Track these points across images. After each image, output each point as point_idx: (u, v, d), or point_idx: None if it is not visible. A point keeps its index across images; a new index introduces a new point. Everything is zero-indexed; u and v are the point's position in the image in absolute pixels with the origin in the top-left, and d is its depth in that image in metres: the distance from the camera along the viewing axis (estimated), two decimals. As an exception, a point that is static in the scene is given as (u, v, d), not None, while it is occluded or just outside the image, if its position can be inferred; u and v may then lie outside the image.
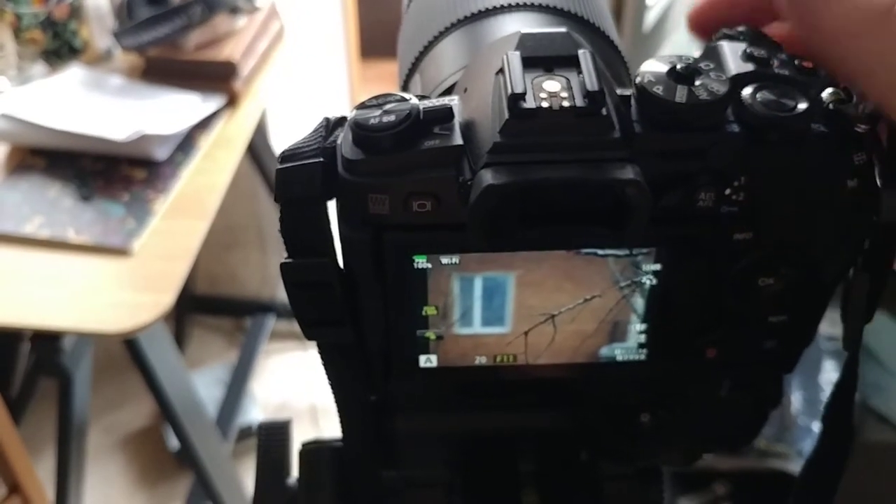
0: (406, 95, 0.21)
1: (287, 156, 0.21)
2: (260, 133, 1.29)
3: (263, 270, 1.68)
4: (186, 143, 1.04)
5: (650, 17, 1.19)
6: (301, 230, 0.21)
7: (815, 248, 0.22)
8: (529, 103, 0.19)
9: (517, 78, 0.19)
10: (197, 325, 1.73)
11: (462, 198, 0.20)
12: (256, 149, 1.29)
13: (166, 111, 1.04)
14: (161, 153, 1.01)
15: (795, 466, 0.93)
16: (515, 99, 0.19)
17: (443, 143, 0.20)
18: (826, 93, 0.21)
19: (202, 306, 1.70)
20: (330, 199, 0.21)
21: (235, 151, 1.05)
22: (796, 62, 0.22)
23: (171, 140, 1.02)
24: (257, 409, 1.54)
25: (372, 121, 0.20)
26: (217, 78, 1.09)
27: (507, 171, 0.19)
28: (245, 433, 1.50)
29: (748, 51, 0.22)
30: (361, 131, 0.20)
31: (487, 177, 0.19)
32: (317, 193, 0.21)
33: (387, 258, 0.21)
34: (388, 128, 0.20)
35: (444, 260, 0.21)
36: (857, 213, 0.21)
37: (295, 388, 1.62)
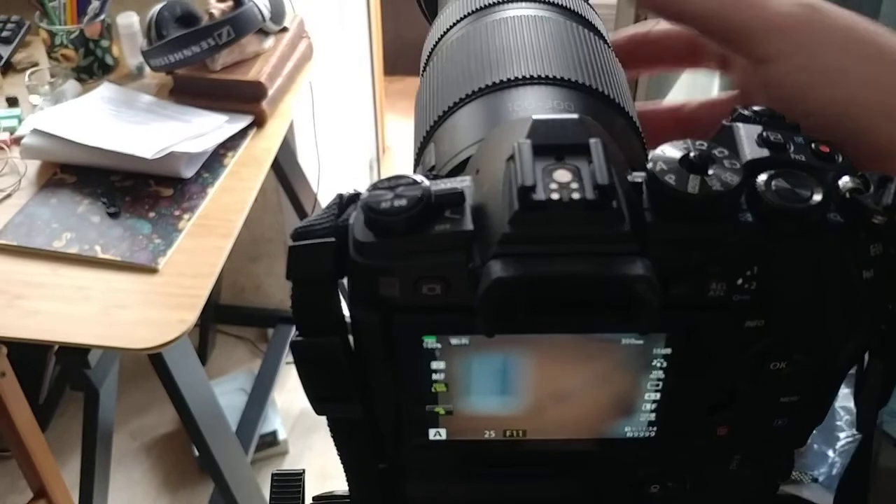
0: (418, 178, 0.21)
1: (300, 233, 0.21)
2: (287, 150, 1.30)
3: (288, 282, 1.70)
4: (213, 161, 1.06)
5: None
6: (312, 308, 0.21)
7: (829, 335, 0.22)
8: (539, 195, 0.19)
9: (527, 170, 0.19)
10: (221, 334, 1.75)
11: (471, 283, 0.20)
12: (283, 165, 1.30)
13: (194, 130, 1.06)
14: (188, 171, 1.02)
15: (810, 492, 0.92)
16: (525, 191, 0.19)
17: (453, 227, 0.20)
18: (843, 181, 0.21)
19: (227, 316, 1.72)
20: (341, 277, 0.21)
21: (261, 170, 1.06)
22: (813, 146, 0.22)
23: (198, 158, 1.04)
24: (278, 419, 1.55)
25: (383, 204, 0.20)
26: (244, 98, 1.10)
27: (515, 264, 0.19)
28: (267, 442, 1.51)
29: (764, 135, 0.21)
30: (373, 214, 0.20)
31: (496, 268, 0.19)
32: (328, 272, 0.21)
33: (396, 339, 0.21)
34: (400, 212, 0.20)
35: (454, 341, 0.21)
36: (873, 302, 0.21)
37: (316, 398, 1.63)
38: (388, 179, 0.21)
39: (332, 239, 0.21)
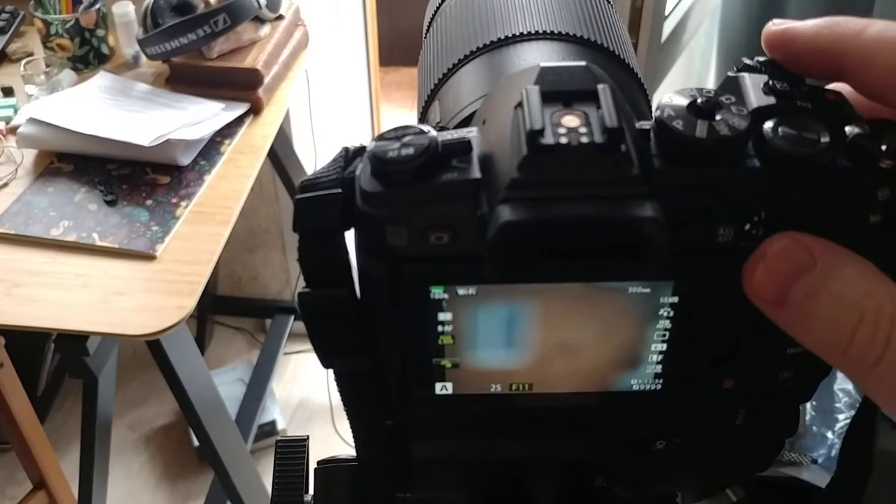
0: (425, 128, 0.21)
1: (306, 186, 0.21)
2: (283, 138, 1.30)
3: (285, 273, 1.70)
4: (210, 149, 1.05)
5: (667, 27, 1.19)
6: (319, 260, 0.21)
7: None
8: (548, 139, 0.19)
9: (536, 114, 0.19)
10: (219, 325, 1.75)
11: (479, 231, 0.20)
12: (279, 154, 1.30)
13: (190, 117, 1.05)
14: (185, 159, 1.02)
15: (809, 474, 0.92)
16: (534, 135, 0.19)
17: (461, 176, 0.20)
18: (849, 127, 0.21)
19: (224, 307, 1.72)
20: (348, 229, 0.21)
21: (257, 157, 1.06)
22: (819, 94, 0.22)
23: (195, 146, 1.04)
24: (277, 409, 1.56)
25: (390, 153, 0.20)
26: (240, 85, 1.10)
27: (524, 208, 0.19)
28: (266, 432, 1.51)
29: (770, 83, 0.21)
30: (380, 164, 0.20)
31: (505, 213, 0.19)
32: (335, 224, 0.21)
33: (404, 289, 0.21)
34: (407, 160, 0.20)
35: (461, 291, 0.21)
36: (880, 247, 0.21)
37: (313, 388, 1.63)
38: (395, 129, 0.21)
39: (339, 190, 0.21)
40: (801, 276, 0.19)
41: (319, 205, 0.21)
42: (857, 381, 0.20)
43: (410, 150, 0.20)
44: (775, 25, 0.23)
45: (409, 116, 2.39)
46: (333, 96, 1.60)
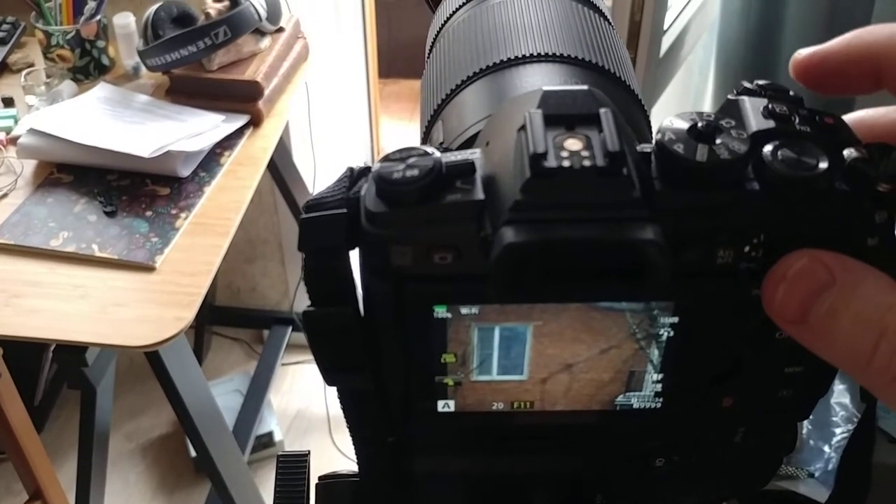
0: (429, 149, 0.21)
1: (311, 205, 0.22)
2: (282, 149, 1.30)
3: (283, 283, 1.70)
4: (209, 160, 1.06)
5: (666, 41, 1.20)
6: (324, 279, 0.22)
7: None
8: (550, 162, 0.19)
9: (539, 137, 0.19)
10: (217, 336, 1.75)
11: (483, 251, 0.20)
12: (278, 165, 1.30)
13: (190, 129, 1.06)
14: (185, 170, 1.02)
15: (806, 488, 0.93)
16: (537, 158, 0.19)
17: (465, 197, 0.20)
18: (847, 151, 0.21)
19: (222, 318, 1.72)
20: (353, 248, 0.22)
21: (257, 169, 1.07)
22: (818, 118, 0.22)
23: (195, 157, 1.04)
24: (274, 420, 1.55)
25: (395, 174, 0.20)
26: (240, 97, 1.10)
27: (527, 230, 0.19)
28: (263, 443, 1.51)
29: (769, 106, 0.22)
30: (385, 184, 0.20)
31: (508, 234, 0.19)
32: (340, 243, 0.21)
33: (408, 308, 0.21)
34: (411, 182, 0.20)
35: (464, 310, 0.22)
36: (878, 270, 0.21)
37: (311, 399, 1.63)
38: (399, 151, 0.21)
39: (344, 210, 0.21)
40: (821, 293, 0.19)
41: (325, 224, 0.21)
42: (880, 395, 0.20)
43: (415, 172, 0.20)
44: (801, 53, 0.23)
45: (408, 128, 2.40)
46: (333, 108, 1.61)
